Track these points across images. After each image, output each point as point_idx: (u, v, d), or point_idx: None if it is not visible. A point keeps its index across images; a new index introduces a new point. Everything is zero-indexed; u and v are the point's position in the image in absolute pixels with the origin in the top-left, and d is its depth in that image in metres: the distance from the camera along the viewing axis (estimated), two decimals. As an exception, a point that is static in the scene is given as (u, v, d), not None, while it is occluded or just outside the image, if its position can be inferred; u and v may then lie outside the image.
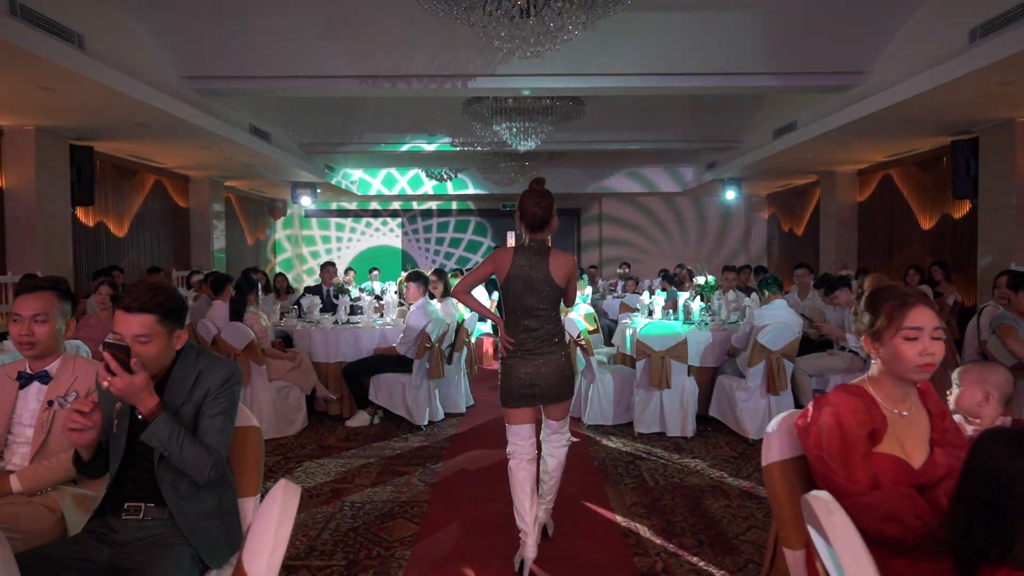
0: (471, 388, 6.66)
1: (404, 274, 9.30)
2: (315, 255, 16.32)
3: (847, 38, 6.78)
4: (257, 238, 14.62)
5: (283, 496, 1.37)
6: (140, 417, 1.98)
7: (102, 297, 5.68)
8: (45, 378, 2.45)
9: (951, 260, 8.69)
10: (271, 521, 1.32)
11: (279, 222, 15.95)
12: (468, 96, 8.07)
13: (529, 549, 3.02)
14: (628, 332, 6.16)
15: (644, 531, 3.53)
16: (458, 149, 11.01)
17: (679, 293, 6.62)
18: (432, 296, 6.18)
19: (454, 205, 16.56)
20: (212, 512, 2.05)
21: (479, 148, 10.81)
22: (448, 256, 16.68)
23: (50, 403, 2.41)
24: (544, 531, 3.44)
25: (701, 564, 3.16)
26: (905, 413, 1.79)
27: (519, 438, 3.10)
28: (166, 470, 2.00)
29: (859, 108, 7.24)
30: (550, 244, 3.21)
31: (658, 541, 3.41)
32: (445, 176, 14.39)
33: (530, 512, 3.05)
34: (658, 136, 10.86)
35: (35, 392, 2.46)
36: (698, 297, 6.41)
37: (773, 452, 1.93)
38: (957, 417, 2.22)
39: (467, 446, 5.19)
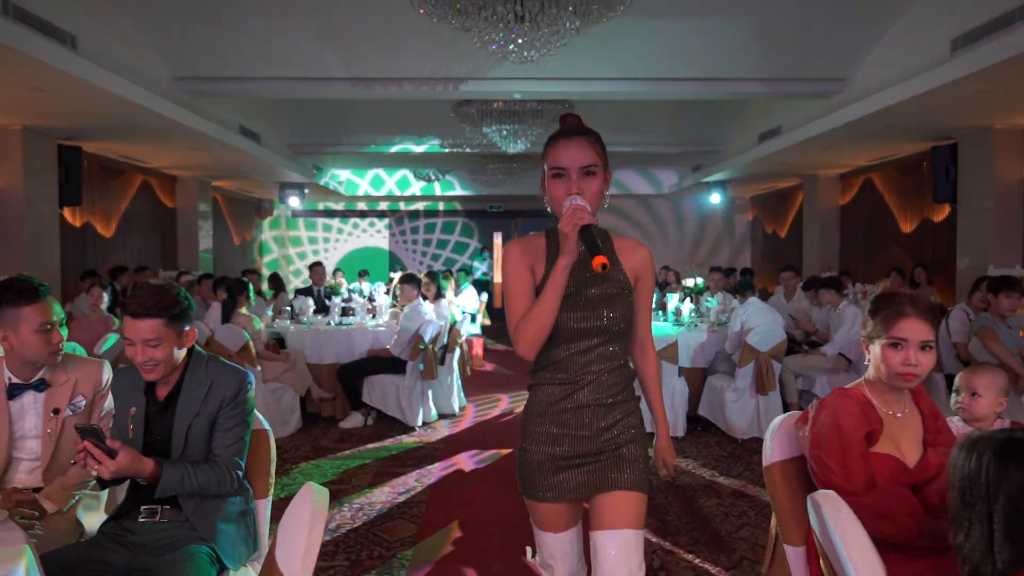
0: (463, 389, 6.71)
1: (397, 276, 9.29)
2: (302, 256, 16.28)
3: (830, 45, 6.92)
4: (244, 238, 14.57)
5: (313, 497, 1.43)
6: (143, 482, 1.99)
7: (94, 299, 5.68)
8: (42, 385, 2.34)
9: (931, 263, 8.88)
10: (302, 522, 1.38)
11: (266, 223, 15.89)
12: (459, 98, 8.12)
13: None
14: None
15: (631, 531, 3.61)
16: (447, 151, 11.06)
17: (669, 295, 6.72)
18: (425, 298, 6.23)
19: (441, 206, 16.59)
20: (230, 515, 2.10)
21: (468, 150, 10.87)
22: (435, 257, 16.71)
23: (55, 411, 2.32)
24: None
25: (697, 561, 3.24)
26: (899, 415, 1.88)
27: (557, 553, 1.88)
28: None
29: (842, 114, 7.39)
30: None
31: (654, 539, 3.49)
32: (433, 177, 14.43)
33: None
34: (645, 139, 10.98)
35: (31, 401, 2.33)
36: (688, 299, 6.53)
37: (774, 453, 2.01)
38: (955, 419, 2.30)
39: (461, 447, 5.25)
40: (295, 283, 14.45)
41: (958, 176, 7.98)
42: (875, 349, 1.86)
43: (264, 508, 2.28)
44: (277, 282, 8.90)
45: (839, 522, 1.44)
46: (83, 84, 5.58)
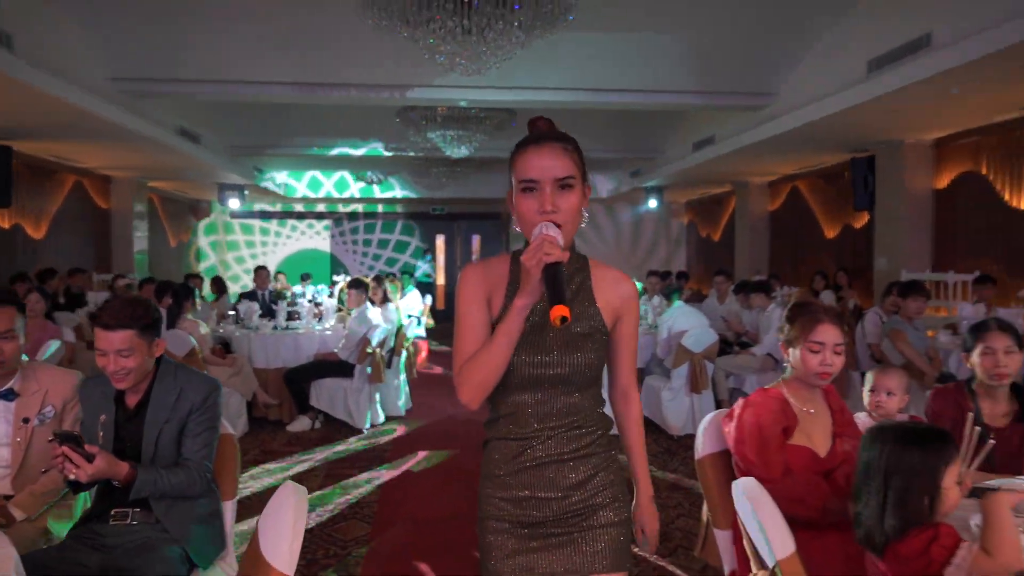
0: (410, 391, 6.83)
1: (341, 279, 9.29)
2: (239, 260, 15.96)
3: (759, 63, 7.33)
4: (180, 240, 14.23)
5: (295, 493, 1.57)
6: (117, 484, 2.08)
7: (31, 304, 5.55)
8: (10, 395, 2.38)
9: (851, 267, 9.45)
10: (286, 515, 1.51)
11: (201, 227, 15.52)
12: (405, 104, 8.22)
13: None
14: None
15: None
16: (391, 154, 11.12)
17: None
18: (372, 302, 6.32)
19: (380, 208, 16.53)
20: (199, 516, 2.20)
21: (412, 153, 10.95)
22: (376, 257, 16.64)
23: (25, 420, 2.36)
24: None
25: (635, 550, 3.47)
26: (812, 411, 2.14)
27: None
28: (152, 479, 2.14)
29: (770, 127, 7.82)
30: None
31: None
32: (375, 179, 14.39)
33: None
34: (586, 146, 10.88)
35: (1, 410, 2.37)
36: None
37: (705, 447, 2.25)
38: (860, 415, 2.58)
39: (409, 448, 5.38)
40: (234, 288, 14.19)
41: (875, 186, 8.54)
42: (795, 352, 2.11)
43: (231, 509, 2.38)
44: (219, 285, 8.80)
45: (759, 506, 1.66)
46: (18, 85, 5.46)
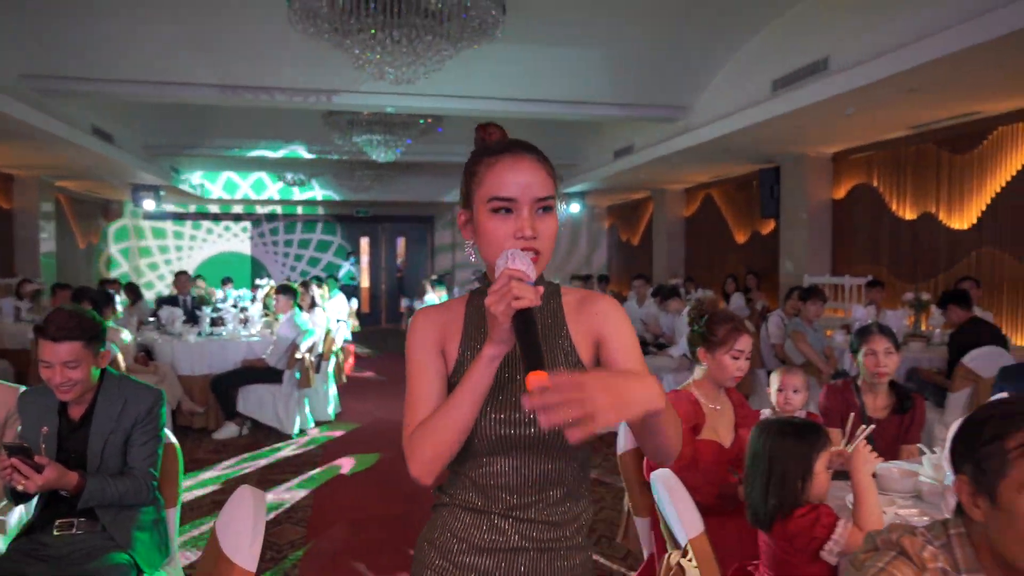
0: (339, 396, 6.85)
1: (264, 283, 9.14)
2: (153, 267, 15.35)
3: (674, 78, 7.74)
4: (90, 242, 13.61)
5: (252, 496, 1.68)
6: (66, 494, 2.12)
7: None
8: None
9: (760, 270, 10.06)
10: (246, 516, 1.62)
11: (111, 234, 14.82)
12: (330, 108, 8.21)
13: None
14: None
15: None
16: (314, 157, 11.03)
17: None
18: (300, 307, 6.32)
19: (299, 210, 16.26)
20: (144, 524, 2.26)
21: (336, 156, 10.90)
22: (298, 258, 16.37)
23: None
24: None
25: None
26: (718, 407, 2.40)
27: None
28: (97, 489, 2.18)
29: (685, 138, 8.26)
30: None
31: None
32: (295, 181, 14.13)
33: None
34: None
35: None
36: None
37: (626, 443, 2.47)
38: (766, 411, 2.87)
39: (340, 451, 5.44)
40: (149, 295, 13.68)
41: (781, 195, 9.13)
42: (716, 357, 2.37)
43: (174, 516, 2.44)
44: (134, 292, 8.53)
45: (673, 493, 1.88)
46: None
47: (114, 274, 14.50)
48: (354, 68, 5.86)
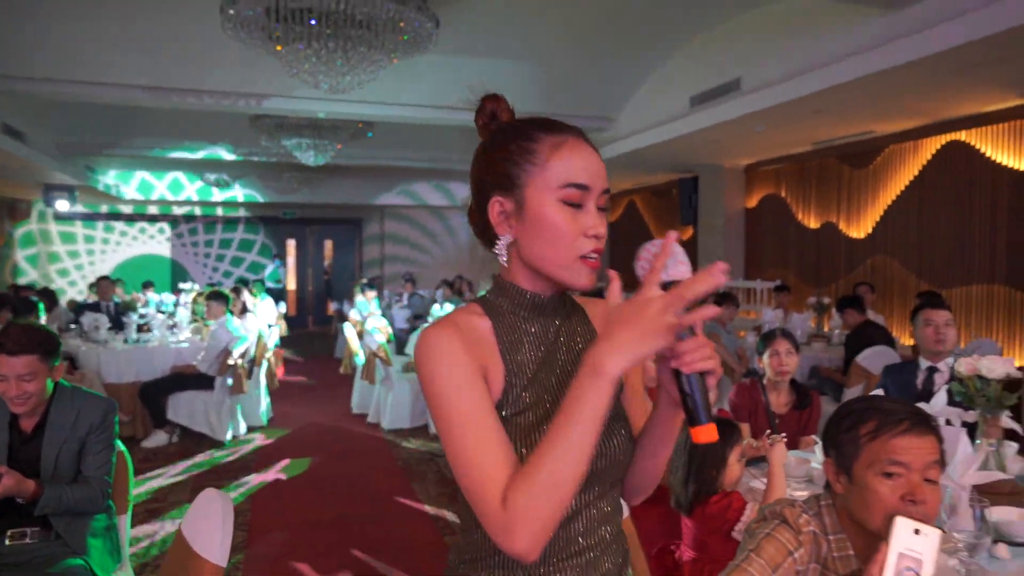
0: (271, 401, 6.85)
1: (193, 289, 8.97)
2: (63, 273, 14.59)
3: (599, 92, 8.10)
4: (-7, 244, 12.91)
5: (219, 498, 1.80)
6: (22, 502, 2.17)
7: None
8: None
9: (680, 274, 10.58)
10: (213, 516, 1.73)
11: (17, 240, 14.01)
12: (260, 112, 8.16)
13: None
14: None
15: (450, 516, 4.20)
16: (242, 159, 10.86)
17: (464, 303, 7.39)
18: (232, 313, 6.30)
19: (220, 211, 15.84)
20: (97, 530, 2.33)
21: (263, 159, 10.77)
22: (220, 258, 15.92)
23: None
24: None
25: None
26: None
27: None
28: (50, 498, 2.24)
29: (609, 148, 8.63)
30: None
31: (450, 516, 4.10)
32: (218, 183, 13.80)
33: None
34: (440, 156, 11.64)
35: None
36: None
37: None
38: None
39: (276, 456, 5.48)
40: (62, 302, 13.07)
41: (699, 203, 9.65)
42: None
43: (125, 522, 2.51)
44: (50, 297, 8.22)
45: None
46: None
47: (21, 282, 13.76)
48: (288, 76, 5.90)
